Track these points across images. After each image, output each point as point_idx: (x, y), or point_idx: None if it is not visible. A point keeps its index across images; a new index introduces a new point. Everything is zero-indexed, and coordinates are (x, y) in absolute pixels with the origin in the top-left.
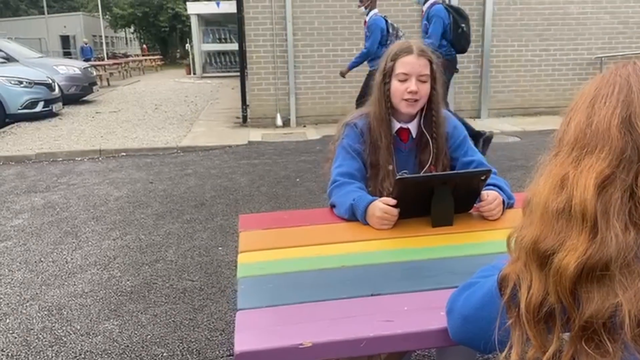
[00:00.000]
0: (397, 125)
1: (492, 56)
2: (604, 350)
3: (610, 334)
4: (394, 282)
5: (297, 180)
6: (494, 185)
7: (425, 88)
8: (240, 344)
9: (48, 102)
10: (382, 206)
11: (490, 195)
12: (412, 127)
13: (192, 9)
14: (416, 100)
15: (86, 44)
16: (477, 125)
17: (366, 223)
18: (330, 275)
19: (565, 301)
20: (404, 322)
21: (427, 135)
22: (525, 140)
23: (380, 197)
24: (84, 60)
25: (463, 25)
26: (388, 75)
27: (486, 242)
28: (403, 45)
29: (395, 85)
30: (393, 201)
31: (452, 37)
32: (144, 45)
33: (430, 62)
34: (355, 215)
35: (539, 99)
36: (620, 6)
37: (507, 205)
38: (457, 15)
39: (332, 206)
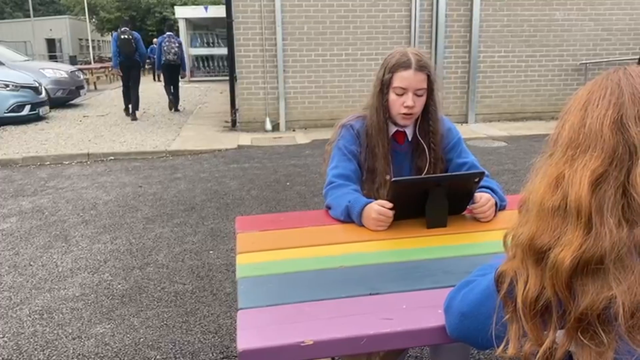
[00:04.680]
0: (393, 128)
1: (479, 62)
2: (598, 342)
3: (604, 326)
4: (391, 282)
5: (287, 184)
6: (487, 187)
7: (422, 101)
8: (243, 342)
9: (35, 106)
10: (378, 208)
11: (483, 198)
12: (408, 130)
13: (180, 13)
14: (412, 114)
15: (154, 43)
16: (465, 129)
17: (361, 224)
18: (329, 275)
19: (561, 294)
20: (403, 320)
21: (424, 144)
22: (512, 145)
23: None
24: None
25: (117, 42)
26: (386, 86)
27: (480, 243)
28: (402, 59)
29: (392, 97)
30: (389, 204)
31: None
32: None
33: (428, 76)
34: (351, 217)
35: (525, 104)
36: (604, 13)
37: (500, 207)
38: (122, 41)
39: (328, 208)
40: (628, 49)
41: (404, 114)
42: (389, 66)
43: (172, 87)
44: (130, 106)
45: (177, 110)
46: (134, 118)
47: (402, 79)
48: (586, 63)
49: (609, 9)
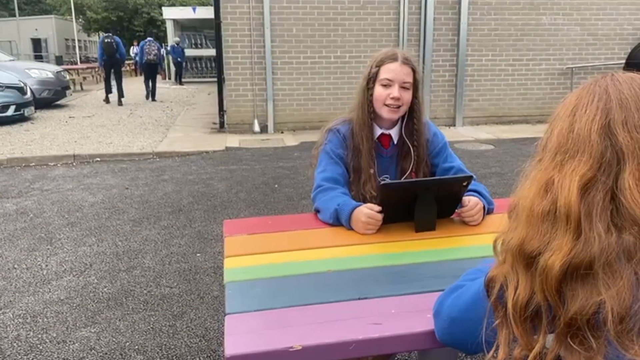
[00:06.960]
0: (378, 131)
1: (467, 65)
2: (587, 346)
3: (594, 331)
4: (380, 286)
5: (276, 186)
6: (475, 191)
7: (408, 95)
8: (231, 348)
9: (20, 106)
10: (367, 211)
11: (471, 201)
12: (394, 133)
13: (168, 13)
14: (398, 107)
15: (177, 44)
16: (452, 133)
17: (350, 228)
18: (318, 280)
19: (551, 299)
20: (391, 325)
21: (409, 143)
22: (499, 148)
23: (363, 200)
24: (175, 64)
25: (102, 45)
26: (372, 80)
27: (468, 247)
28: (389, 53)
29: (378, 90)
30: (378, 207)
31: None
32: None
33: (414, 71)
34: (340, 220)
35: (512, 107)
36: (590, 18)
37: (487, 210)
38: (105, 44)
39: (317, 211)
40: (613, 53)
41: (390, 105)
42: (376, 61)
43: (150, 81)
44: (109, 96)
45: (154, 100)
46: (120, 104)
47: (388, 70)
48: (572, 67)
49: (595, 14)
